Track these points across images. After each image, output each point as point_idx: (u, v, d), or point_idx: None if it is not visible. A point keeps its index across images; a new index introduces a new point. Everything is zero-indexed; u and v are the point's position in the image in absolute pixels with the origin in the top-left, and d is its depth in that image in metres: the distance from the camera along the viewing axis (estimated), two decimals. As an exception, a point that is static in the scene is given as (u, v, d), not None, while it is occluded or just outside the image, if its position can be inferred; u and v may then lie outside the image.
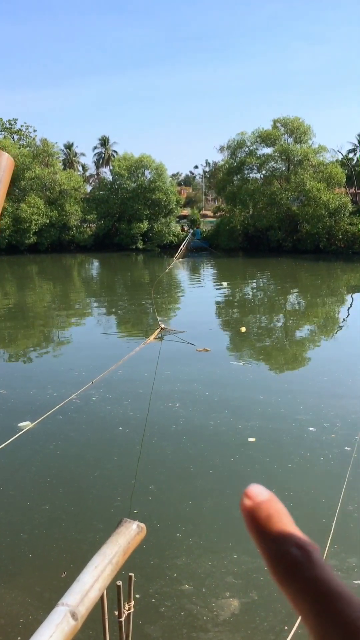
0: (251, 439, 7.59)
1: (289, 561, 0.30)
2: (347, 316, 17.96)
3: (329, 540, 5.09)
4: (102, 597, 2.42)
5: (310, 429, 7.94)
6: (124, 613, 2.80)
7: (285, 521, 0.33)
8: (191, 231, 45.29)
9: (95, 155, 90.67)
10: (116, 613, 2.77)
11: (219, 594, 4.53)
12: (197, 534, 5.41)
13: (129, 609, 2.80)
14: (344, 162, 46.90)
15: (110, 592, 2.37)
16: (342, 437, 7.65)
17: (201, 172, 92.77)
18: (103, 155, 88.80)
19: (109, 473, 6.74)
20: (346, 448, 7.27)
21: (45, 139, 46.29)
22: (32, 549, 5.26)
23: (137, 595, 4.36)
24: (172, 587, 4.63)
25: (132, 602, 2.81)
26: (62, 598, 2.09)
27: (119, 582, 2.64)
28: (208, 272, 33.43)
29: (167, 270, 31.14)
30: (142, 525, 2.56)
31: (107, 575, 2.25)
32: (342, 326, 16.27)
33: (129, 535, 2.50)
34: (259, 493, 0.34)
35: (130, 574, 2.69)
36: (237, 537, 5.37)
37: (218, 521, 5.66)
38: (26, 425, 8.01)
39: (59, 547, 5.28)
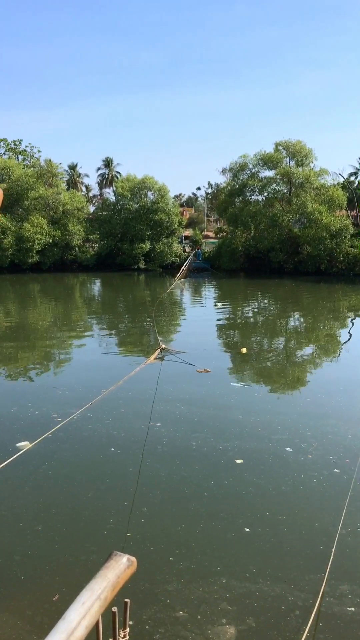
0: (238, 460, 7.53)
1: None
2: (349, 339, 17.93)
3: (329, 567, 5.00)
4: (97, 624, 2.36)
5: (288, 449, 7.90)
6: (120, 640, 2.72)
7: None
8: (193, 252, 45.52)
9: (98, 176, 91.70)
10: (111, 640, 2.70)
11: (215, 621, 4.44)
12: (188, 558, 5.33)
13: (124, 636, 2.73)
14: (345, 185, 47.36)
15: (105, 618, 2.31)
16: (329, 458, 7.62)
17: (203, 194, 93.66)
18: (106, 176, 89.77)
19: (102, 494, 6.67)
20: (335, 470, 7.21)
21: (50, 160, 46.92)
22: (24, 571, 5.18)
23: (131, 622, 4.26)
24: (166, 613, 4.53)
25: (127, 630, 2.74)
26: (47, 637, 2.03)
27: (114, 609, 2.57)
28: (209, 292, 33.51)
29: (168, 291, 31.23)
30: (133, 558, 2.50)
31: (95, 612, 2.18)
32: (342, 348, 16.24)
33: (118, 569, 2.43)
34: None
35: (126, 600, 2.62)
36: (227, 561, 5.28)
37: (212, 544, 5.57)
38: (25, 445, 7.94)
39: (52, 570, 5.19)
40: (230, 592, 4.79)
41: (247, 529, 5.82)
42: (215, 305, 26.00)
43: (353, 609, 4.57)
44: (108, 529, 5.88)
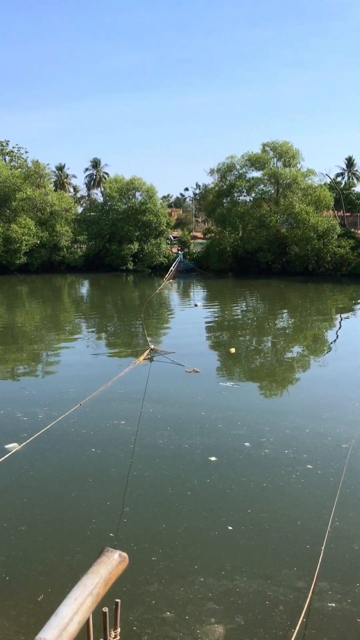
0: (212, 458, 7.57)
1: None
2: (336, 338, 18.04)
3: (319, 565, 5.03)
4: (87, 624, 2.36)
5: (251, 446, 7.95)
6: (111, 640, 2.71)
7: None
8: (180, 253, 45.47)
9: (86, 177, 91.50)
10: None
11: (204, 620, 4.45)
12: (172, 557, 5.35)
13: (115, 636, 2.72)
14: (332, 186, 47.67)
15: (95, 618, 2.31)
16: (284, 452, 7.78)
17: (191, 195, 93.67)
18: (94, 177, 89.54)
19: (86, 494, 6.68)
20: (309, 466, 7.29)
21: (37, 161, 46.72)
22: (8, 571, 5.17)
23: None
24: (153, 614, 4.54)
25: (119, 630, 2.74)
26: (40, 632, 2.01)
27: (105, 609, 2.57)
28: (198, 293, 33.54)
29: (157, 291, 31.21)
30: (124, 554, 2.49)
31: (87, 607, 2.17)
32: (331, 347, 16.35)
33: (110, 565, 2.42)
34: None
35: (117, 600, 2.62)
36: (211, 559, 5.31)
37: (195, 543, 5.59)
38: (13, 447, 7.92)
39: (36, 570, 5.19)
40: (215, 590, 4.81)
41: (230, 527, 5.86)
42: (196, 305, 26.04)
43: (335, 605, 4.62)
44: (91, 529, 5.89)
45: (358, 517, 6.07)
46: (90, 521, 6.03)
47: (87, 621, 2.34)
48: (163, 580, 4.97)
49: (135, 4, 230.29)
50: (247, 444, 8.09)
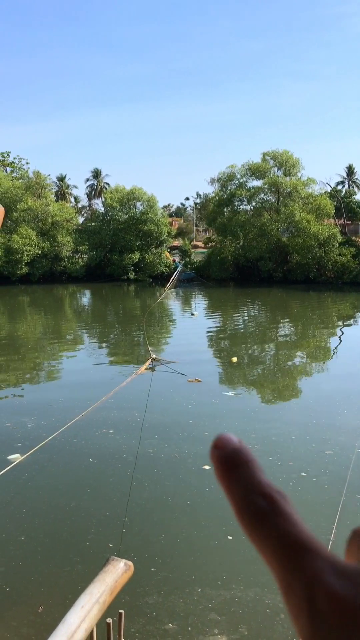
0: (206, 467, 7.56)
1: (254, 511, 0.29)
2: (336, 347, 18.02)
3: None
4: (91, 636, 2.35)
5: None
6: (115, 652, 2.70)
7: (252, 470, 0.30)
8: (181, 262, 45.59)
9: (87, 187, 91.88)
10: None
11: (207, 631, 4.42)
12: (171, 568, 5.32)
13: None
14: (333, 194, 47.80)
15: (99, 629, 2.30)
16: (268, 459, 7.76)
17: (192, 204, 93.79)
18: (95, 187, 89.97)
19: (85, 505, 6.67)
20: (302, 474, 7.27)
21: (38, 172, 46.87)
22: (8, 582, 5.15)
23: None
24: (155, 626, 4.51)
25: (123, 640, 2.73)
26: (48, 639, 2.02)
27: (109, 620, 2.57)
28: (199, 302, 33.57)
29: (158, 301, 31.25)
30: (130, 563, 2.51)
31: (94, 615, 2.18)
32: (330, 357, 16.34)
33: (116, 573, 2.44)
34: (227, 443, 0.31)
35: (120, 610, 2.62)
36: (211, 570, 5.29)
37: (195, 553, 5.56)
38: (16, 458, 7.90)
39: (36, 581, 5.17)
40: (216, 600, 4.79)
41: (230, 537, 5.83)
42: (192, 314, 26.07)
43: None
44: (90, 539, 5.86)
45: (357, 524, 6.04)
46: (89, 531, 6.01)
47: (91, 633, 2.34)
48: (162, 592, 4.94)
49: (134, 16, 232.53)
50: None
